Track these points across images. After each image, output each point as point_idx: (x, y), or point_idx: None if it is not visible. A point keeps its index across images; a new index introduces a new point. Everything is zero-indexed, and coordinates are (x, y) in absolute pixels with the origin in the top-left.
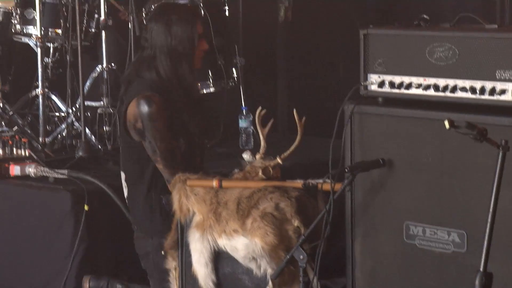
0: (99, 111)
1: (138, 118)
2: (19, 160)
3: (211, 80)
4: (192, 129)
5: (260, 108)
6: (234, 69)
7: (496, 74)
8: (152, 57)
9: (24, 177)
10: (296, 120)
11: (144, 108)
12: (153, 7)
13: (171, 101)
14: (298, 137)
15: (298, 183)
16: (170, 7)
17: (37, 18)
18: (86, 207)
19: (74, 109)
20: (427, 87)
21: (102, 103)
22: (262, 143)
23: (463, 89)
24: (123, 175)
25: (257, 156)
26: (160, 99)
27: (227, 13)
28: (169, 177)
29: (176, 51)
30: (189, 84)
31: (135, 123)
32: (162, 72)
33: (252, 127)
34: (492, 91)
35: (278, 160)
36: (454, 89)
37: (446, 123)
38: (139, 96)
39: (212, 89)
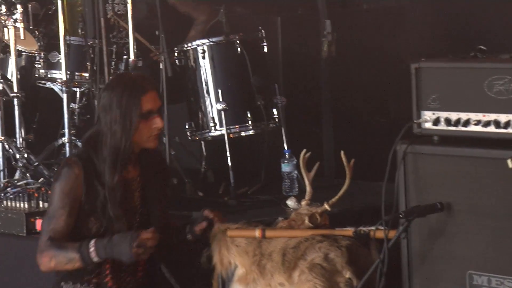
0: None
1: None
2: None
3: (250, 122)
4: (113, 213)
5: (304, 150)
6: (274, 110)
7: None
8: (98, 133)
9: None
10: (344, 163)
11: (59, 167)
12: (186, 46)
13: (98, 179)
14: (347, 181)
15: (349, 231)
16: (116, 80)
17: (62, 61)
18: None
19: None
20: (486, 124)
21: None
22: (308, 188)
23: None
24: None
25: (303, 203)
26: (79, 167)
27: (265, 50)
28: (40, 242)
29: (116, 132)
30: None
31: None
32: (103, 151)
33: (296, 172)
34: None
35: (326, 206)
36: None
37: (509, 162)
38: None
39: (251, 132)
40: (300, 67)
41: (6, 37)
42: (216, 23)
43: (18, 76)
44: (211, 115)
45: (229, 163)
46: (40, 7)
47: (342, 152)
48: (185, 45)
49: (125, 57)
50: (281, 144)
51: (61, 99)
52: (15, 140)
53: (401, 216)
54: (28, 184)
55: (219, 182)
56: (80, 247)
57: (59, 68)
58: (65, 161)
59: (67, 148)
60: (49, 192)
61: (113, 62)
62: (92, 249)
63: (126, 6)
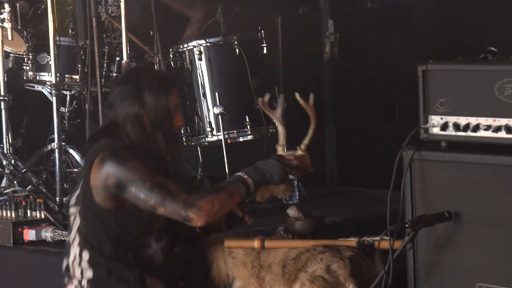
0: None
1: (107, 172)
2: (34, 224)
3: (248, 127)
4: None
5: (267, 94)
6: None
7: None
8: (115, 126)
9: (40, 242)
10: (303, 105)
11: (110, 156)
12: (182, 47)
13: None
14: (313, 122)
15: (352, 241)
16: (141, 70)
17: (52, 63)
18: None
19: None
20: (497, 129)
21: None
22: (280, 128)
23: None
24: (85, 256)
25: (278, 147)
26: (126, 149)
27: (265, 51)
28: (180, 210)
29: (147, 120)
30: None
31: (105, 180)
32: (127, 140)
33: (296, 179)
34: None
35: (299, 151)
36: None
37: None
38: (101, 152)
39: (250, 137)
40: (301, 69)
41: None
42: (213, 23)
43: (5, 79)
44: (208, 120)
45: (227, 170)
46: (28, 6)
47: (296, 94)
48: (181, 46)
49: (117, 58)
50: None
51: (50, 103)
52: (1, 145)
53: (407, 225)
54: (15, 192)
55: None
56: (233, 181)
57: (48, 70)
58: (112, 149)
59: (57, 154)
60: (124, 173)
61: (105, 64)
62: (245, 176)
63: (119, 8)
